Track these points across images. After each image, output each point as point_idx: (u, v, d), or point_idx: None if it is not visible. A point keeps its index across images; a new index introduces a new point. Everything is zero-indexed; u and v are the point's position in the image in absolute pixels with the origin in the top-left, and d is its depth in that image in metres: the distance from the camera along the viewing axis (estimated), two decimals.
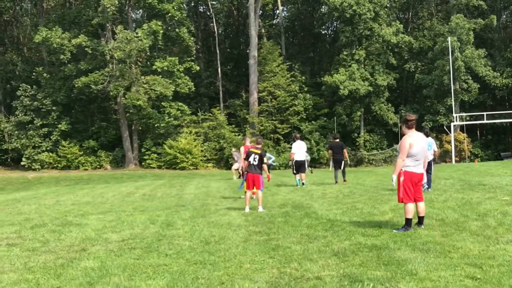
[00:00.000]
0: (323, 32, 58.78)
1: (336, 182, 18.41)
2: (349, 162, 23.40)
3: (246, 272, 5.82)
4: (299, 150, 18.42)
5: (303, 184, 18.06)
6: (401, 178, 7.93)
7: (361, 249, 6.70)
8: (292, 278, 5.46)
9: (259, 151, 11.99)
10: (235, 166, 24.91)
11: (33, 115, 43.78)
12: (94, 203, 16.09)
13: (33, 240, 8.96)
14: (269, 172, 22.09)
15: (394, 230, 7.89)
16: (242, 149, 16.06)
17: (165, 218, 11.05)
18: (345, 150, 19.13)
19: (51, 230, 9.98)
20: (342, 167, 18.57)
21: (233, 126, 46.91)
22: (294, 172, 18.77)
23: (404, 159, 7.88)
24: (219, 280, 5.50)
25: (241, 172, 24.92)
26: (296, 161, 18.34)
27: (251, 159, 11.81)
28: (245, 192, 12.12)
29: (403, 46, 45.73)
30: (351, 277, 5.33)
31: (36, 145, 43.71)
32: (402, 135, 8.29)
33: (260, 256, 6.66)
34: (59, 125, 43.31)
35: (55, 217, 12.38)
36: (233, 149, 27.60)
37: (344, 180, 18.59)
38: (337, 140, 19.49)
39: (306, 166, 19.30)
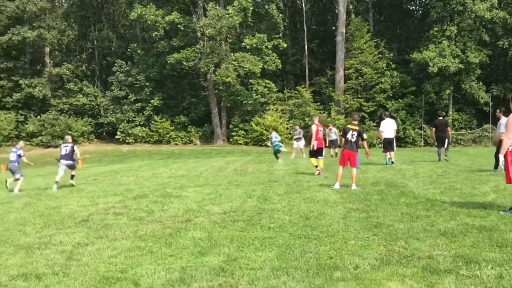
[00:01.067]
0: (411, 8, 56.53)
1: (439, 160, 18.25)
2: (451, 140, 22.90)
3: (353, 248, 5.77)
4: (388, 128, 18.09)
5: (392, 162, 17.68)
6: (509, 158, 7.56)
7: (469, 230, 6.45)
8: (402, 256, 5.33)
9: (357, 128, 11.65)
10: (295, 145, 24.72)
11: (128, 91, 45.60)
12: (189, 176, 16.55)
13: (138, 210, 9.35)
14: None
15: (501, 212, 7.54)
16: (313, 127, 15.56)
17: (261, 192, 11.17)
18: (448, 128, 18.81)
19: (153, 201, 10.37)
20: (446, 145, 18.28)
21: (318, 103, 46.48)
22: (383, 150, 18.48)
23: (511, 137, 7.45)
24: (328, 255, 5.47)
25: (303, 150, 24.90)
26: (385, 138, 18.02)
27: (349, 135, 11.51)
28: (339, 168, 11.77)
29: (497, 21, 42.84)
30: (464, 257, 5.15)
31: (130, 119, 45.60)
32: (508, 113, 7.89)
33: (363, 232, 6.60)
34: (152, 101, 44.86)
35: (155, 188, 12.87)
36: (296, 126, 27.19)
37: (446, 158, 18.18)
38: (441, 118, 19.02)
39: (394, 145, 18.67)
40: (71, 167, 15.17)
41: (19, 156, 15.62)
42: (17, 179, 14.94)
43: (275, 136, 23.74)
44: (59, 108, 47.16)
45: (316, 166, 15.46)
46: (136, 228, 7.53)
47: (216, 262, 5.35)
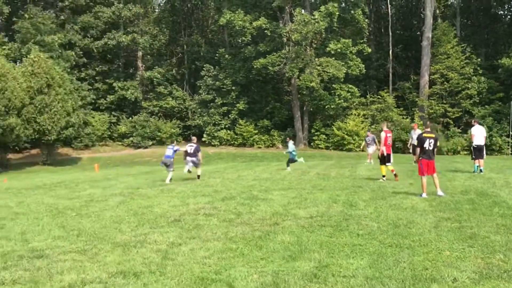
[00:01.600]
0: (500, 12, 53.59)
1: None
2: None
3: (448, 260, 5.56)
4: (479, 135, 17.33)
5: (480, 170, 16.79)
6: None
7: None
8: (502, 270, 5.07)
9: (433, 135, 11.39)
10: (369, 150, 24.06)
11: (215, 94, 46.64)
12: (273, 179, 16.63)
13: (227, 211, 9.52)
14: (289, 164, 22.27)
15: None
16: (382, 134, 15.57)
17: (346, 198, 11.04)
18: None
19: (240, 203, 10.51)
20: None
21: (401, 109, 45.16)
22: (473, 157, 17.58)
23: None
24: (422, 265, 5.31)
25: (371, 155, 24.22)
26: (475, 145, 17.18)
27: (426, 144, 11.20)
28: (421, 177, 11.34)
29: None
30: None
31: (216, 122, 46.59)
32: None
33: (457, 243, 6.35)
34: (237, 105, 45.58)
35: (241, 191, 13.05)
36: (368, 132, 26.42)
37: None
38: None
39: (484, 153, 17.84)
40: (195, 163, 17.62)
41: (175, 151, 17.94)
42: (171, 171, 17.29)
43: (291, 146, 23.16)
44: (149, 110, 49.07)
45: (383, 176, 15.37)
46: (227, 230, 7.67)
47: (307, 268, 5.33)
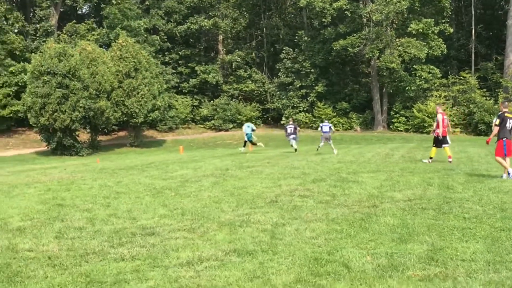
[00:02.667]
0: None
1: None
2: None
3: None
4: None
5: None
6: None
7: None
8: None
9: None
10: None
11: (294, 77, 46.42)
12: (358, 162, 16.38)
13: (320, 193, 9.47)
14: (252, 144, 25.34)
15: None
16: (439, 116, 15.50)
17: (440, 180, 10.70)
18: None
19: (332, 185, 10.43)
20: None
21: (484, 90, 42.83)
22: None
23: None
24: None
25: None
26: None
27: (508, 124, 10.89)
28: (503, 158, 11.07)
29: None
30: None
31: (295, 105, 46.41)
32: None
33: None
34: (316, 87, 45.15)
35: (329, 173, 12.94)
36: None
37: None
38: None
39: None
40: (295, 139, 23.49)
41: (330, 128, 22.62)
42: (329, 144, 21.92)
43: (247, 126, 25.36)
44: (229, 94, 49.71)
45: (431, 158, 15.49)
46: (326, 211, 7.64)
47: (421, 250, 5.21)
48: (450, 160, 15.32)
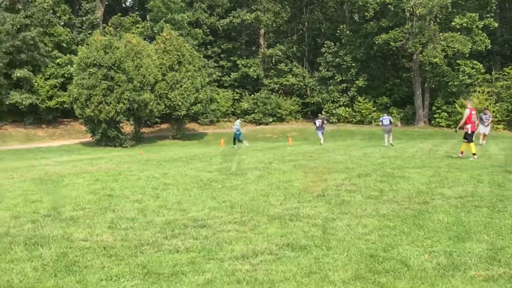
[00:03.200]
0: None
1: None
2: None
3: None
4: None
5: None
6: None
7: None
8: None
9: None
10: (481, 129, 22.24)
11: (334, 71, 45.95)
12: (402, 157, 16.03)
13: (367, 188, 9.29)
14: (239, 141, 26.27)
15: None
16: (466, 111, 15.48)
17: (489, 177, 10.38)
18: None
19: (378, 180, 10.23)
20: None
21: None
22: None
23: None
24: None
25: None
26: None
27: None
28: None
29: None
30: None
31: (335, 99, 45.98)
32: None
33: None
34: (357, 81, 44.56)
35: (373, 168, 12.71)
36: (486, 110, 24.09)
37: None
38: None
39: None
40: (322, 133, 26.32)
41: (390, 121, 23.78)
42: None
43: (237, 124, 27.35)
44: (270, 88, 49.59)
45: (474, 154, 15.00)
46: (375, 207, 7.48)
47: (480, 250, 5.02)
48: (460, 155, 15.29)
